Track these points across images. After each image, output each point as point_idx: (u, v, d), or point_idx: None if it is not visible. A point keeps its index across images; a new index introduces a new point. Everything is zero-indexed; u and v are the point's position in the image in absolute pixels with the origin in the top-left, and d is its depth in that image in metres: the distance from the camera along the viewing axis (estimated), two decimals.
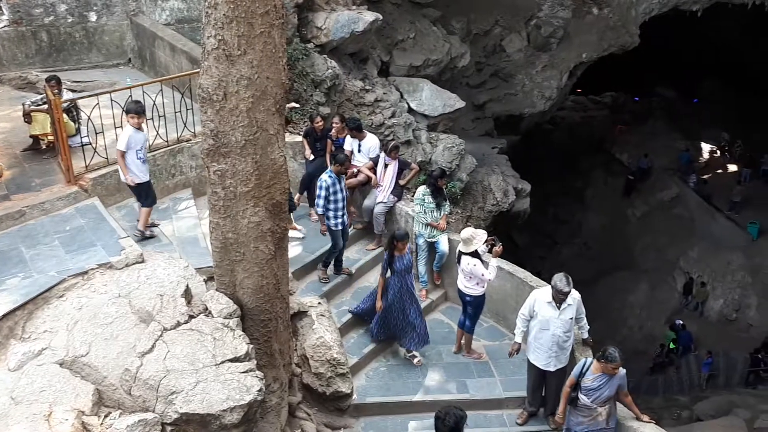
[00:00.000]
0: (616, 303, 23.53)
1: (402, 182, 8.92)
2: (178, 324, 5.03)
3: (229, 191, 4.73)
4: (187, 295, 5.38)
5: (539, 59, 17.20)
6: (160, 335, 4.89)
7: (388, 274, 7.15)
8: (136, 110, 6.78)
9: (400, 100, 12.58)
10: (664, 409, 18.20)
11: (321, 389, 6.51)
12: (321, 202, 7.75)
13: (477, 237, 7.11)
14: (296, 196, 8.96)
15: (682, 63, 29.35)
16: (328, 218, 7.85)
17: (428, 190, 8.36)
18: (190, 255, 6.64)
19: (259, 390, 4.71)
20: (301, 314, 6.55)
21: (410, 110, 12.66)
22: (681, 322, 21.13)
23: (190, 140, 8.51)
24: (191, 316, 5.12)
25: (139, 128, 6.86)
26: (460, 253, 7.22)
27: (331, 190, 7.69)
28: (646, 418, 6.07)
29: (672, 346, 20.85)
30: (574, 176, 28.32)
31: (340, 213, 7.84)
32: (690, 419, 16.49)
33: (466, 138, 13.73)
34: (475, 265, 7.06)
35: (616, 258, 25.52)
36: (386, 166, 8.81)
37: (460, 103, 13.55)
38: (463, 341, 7.65)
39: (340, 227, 7.86)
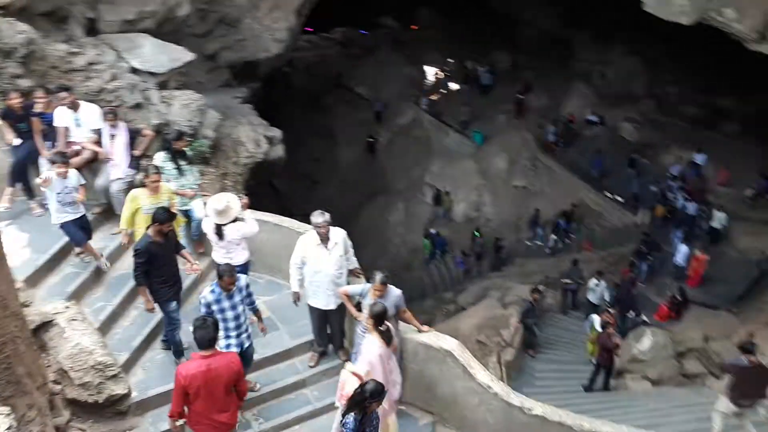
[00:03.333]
0: (380, 226, 25.30)
1: (137, 152, 8.03)
2: None
3: None
4: None
5: (263, 1, 16.74)
6: None
7: None
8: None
9: (118, 60, 11.21)
10: (435, 308, 20.46)
11: (92, 399, 5.80)
12: None
13: (232, 203, 6.68)
14: (7, 192, 7.57)
15: None
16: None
17: (166, 155, 7.64)
18: None
19: (9, 427, 3.97)
20: (46, 325, 5.66)
21: (134, 70, 11.39)
22: (435, 231, 23.61)
23: None
24: None
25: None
26: (219, 226, 6.66)
27: (214, 308, 5.84)
28: (425, 328, 6.62)
29: (427, 251, 23.22)
30: (320, 115, 29.03)
31: (233, 333, 5.96)
32: (457, 310, 18.78)
33: (204, 92, 12.91)
34: (240, 229, 6.76)
35: (373, 186, 27.25)
36: (113, 137, 7.81)
37: (189, 56, 12.60)
38: None
39: (235, 349, 5.92)
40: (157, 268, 6.13)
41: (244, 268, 6.91)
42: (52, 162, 6.90)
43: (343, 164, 28.18)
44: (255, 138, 13.51)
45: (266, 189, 22.81)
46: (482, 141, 25.68)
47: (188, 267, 6.75)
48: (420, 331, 6.52)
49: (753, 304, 16.16)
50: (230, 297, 5.83)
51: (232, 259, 6.68)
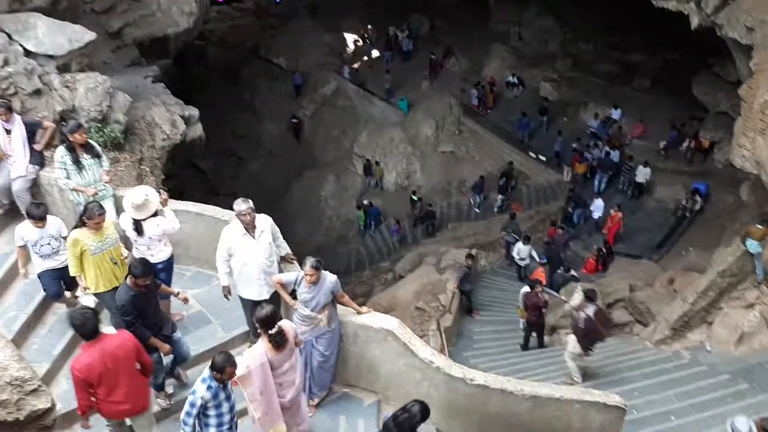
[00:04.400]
0: (312, 201, 24.97)
1: (38, 146, 7.35)
2: None
3: None
4: None
5: None
6: None
7: None
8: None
9: (10, 43, 10.22)
10: (373, 278, 20.53)
11: (12, 417, 5.42)
12: (190, 422, 4.90)
13: (151, 197, 6.25)
14: None
15: None
16: None
17: (65, 150, 6.89)
18: None
19: None
20: None
21: (28, 53, 10.44)
22: (367, 201, 23.52)
23: None
24: None
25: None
26: (137, 221, 6.25)
27: (210, 405, 4.93)
28: (364, 309, 6.50)
29: (361, 222, 23.12)
30: (239, 88, 28.05)
31: (226, 427, 5.09)
32: (395, 279, 18.91)
33: (111, 73, 12.04)
34: (160, 224, 6.36)
35: (301, 159, 26.74)
36: (8, 132, 7.11)
37: (90, 35, 11.60)
38: None
39: None
40: (143, 317, 5.56)
41: (168, 265, 6.55)
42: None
43: (268, 139, 27.45)
44: (171, 119, 12.81)
45: (190, 171, 21.91)
46: (408, 108, 25.61)
47: (179, 297, 6.23)
48: (359, 313, 6.41)
49: (671, 250, 17.15)
50: (225, 386, 5.00)
51: (153, 256, 6.30)
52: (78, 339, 6.46)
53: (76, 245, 5.91)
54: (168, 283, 6.54)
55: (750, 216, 14.30)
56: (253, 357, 5.23)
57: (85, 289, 6.13)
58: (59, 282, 6.45)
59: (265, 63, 29.36)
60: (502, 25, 29.11)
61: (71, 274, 6.08)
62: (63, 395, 5.97)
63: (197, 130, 14.09)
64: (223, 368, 4.79)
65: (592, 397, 6.53)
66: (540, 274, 13.80)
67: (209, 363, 4.90)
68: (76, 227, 5.98)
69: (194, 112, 14.00)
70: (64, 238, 6.26)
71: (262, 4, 32.57)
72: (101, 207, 5.98)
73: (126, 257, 6.20)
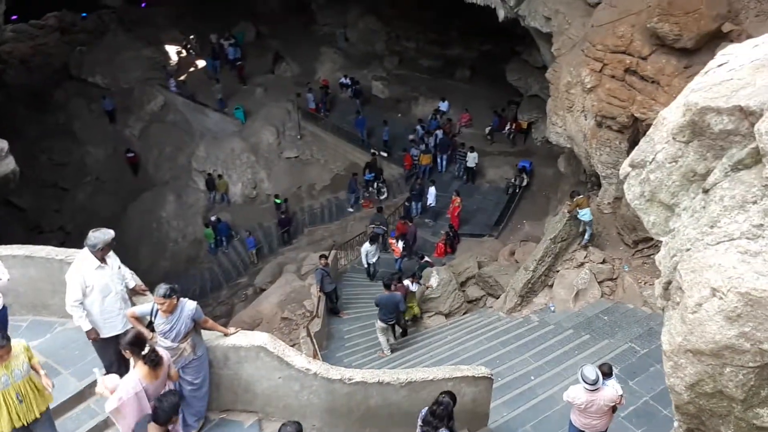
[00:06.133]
0: (153, 223, 23.46)
1: None
2: None
3: None
4: None
5: None
6: None
7: None
8: None
9: None
10: (232, 296, 19.82)
11: None
12: None
13: None
14: None
15: None
16: None
17: None
18: None
19: None
20: None
21: None
22: (215, 217, 22.60)
23: None
24: None
25: None
26: None
27: None
28: (231, 330, 6.24)
29: (211, 239, 22.23)
30: (52, 112, 25.44)
31: None
32: (256, 293, 18.40)
33: None
34: None
35: (135, 182, 24.97)
36: None
37: None
38: None
39: None
40: None
41: (2, 316, 5.79)
42: None
43: (94, 164, 25.22)
44: None
45: (4, 209, 19.51)
46: (245, 117, 25.03)
47: None
48: (226, 335, 6.16)
49: (508, 225, 18.67)
50: None
51: None
52: None
53: None
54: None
55: (569, 184, 16.06)
56: (125, 387, 4.83)
57: None
58: None
59: (78, 83, 26.90)
60: (327, 28, 29.59)
61: None
62: None
63: (9, 164, 12.71)
64: None
65: (462, 372, 6.91)
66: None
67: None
68: None
69: (2, 144, 12.55)
70: None
71: (65, 19, 29.82)
72: (5, 337, 4.83)
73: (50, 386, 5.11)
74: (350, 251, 18.31)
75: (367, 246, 15.77)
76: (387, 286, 11.46)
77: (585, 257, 12.01)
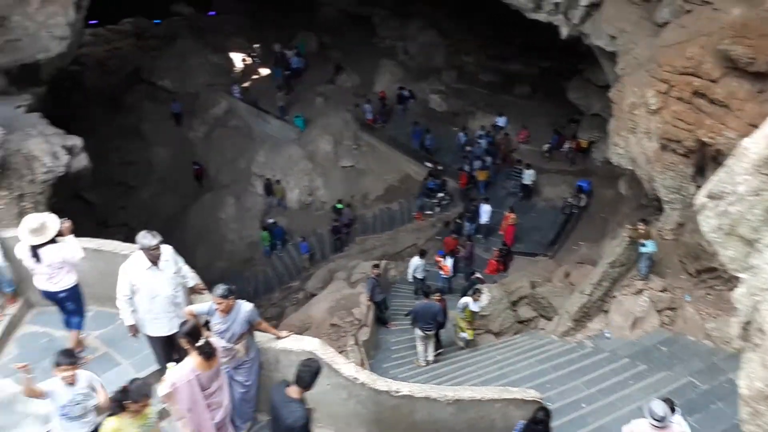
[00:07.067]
0: (212, 224, 24.10)
1: None
2: None
3: None
4: None
5: None
6: None
7: None
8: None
9: None
10: (284, 299, 20.14)
11: None
12: None
13: (49, 222, 5.87)
14: None
15: None
16: None
17: None
18: None
19: None
20: None
21: None
22: (272, 220, 23.10)
23: None
24: None
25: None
26: (34, 248, 5.90)
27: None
28: (284, 333, 6.33)
29: (266, 242, 22.66)
30: (123, 114, 26.61)
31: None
32: (306, 298, 18.63)
33: None
34: (61, 250, 5.99)
35: (197, 183, 25.79)
36: None
37: None
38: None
39: None
40: None
41: (73, 293, 6.15)
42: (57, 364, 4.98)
43: (160, 164, 26.21)
44: (51, 150, 12.00)
45: (76, 204, 20.46)
46: (304, 125, 25.50)
47: None
48: (279, 338, 6.25)
49: (564, 246, 18.25)
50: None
51: (57, 284, 5.90)
52: None
53: None
54: (78, 311, 6.20)
55: (630, 208, 15.58)
56: (179, 374, 5.06)
57: None
58: None
59: (149, 86, 28.09)
60: (388, 41, 29.86)
61: None
62: None
63: (82, 161, 13.30)
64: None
65: (510, 394, 6.79)
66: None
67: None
68: (111, 414, 4.86)
69: (77, 141, 13.20)
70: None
71: (140, 25, 31.23)
72: (145, 386, 4.96)
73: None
74: (401, 262, 18.30)
75: (416, 260, 15.56)
76: (426, 294, 11.57)
77: (644, 284, 11.59)
